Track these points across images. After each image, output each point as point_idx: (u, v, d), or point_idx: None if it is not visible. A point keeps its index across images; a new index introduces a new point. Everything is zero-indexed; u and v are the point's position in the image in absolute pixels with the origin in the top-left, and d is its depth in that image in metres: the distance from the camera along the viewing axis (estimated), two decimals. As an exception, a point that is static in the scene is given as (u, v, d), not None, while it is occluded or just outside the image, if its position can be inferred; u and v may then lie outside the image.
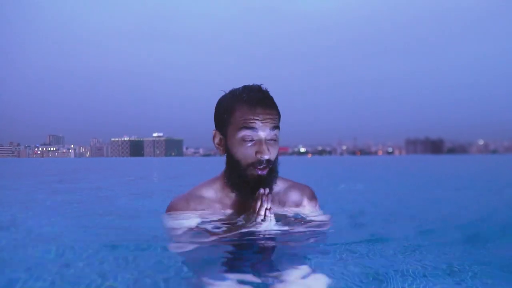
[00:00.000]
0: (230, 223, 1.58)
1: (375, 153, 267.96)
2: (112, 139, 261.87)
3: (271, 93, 1.52)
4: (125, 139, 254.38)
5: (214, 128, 1.62)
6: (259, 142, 1.48)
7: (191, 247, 1.46)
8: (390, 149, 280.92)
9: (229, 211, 1.62)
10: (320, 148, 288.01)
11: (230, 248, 1.44)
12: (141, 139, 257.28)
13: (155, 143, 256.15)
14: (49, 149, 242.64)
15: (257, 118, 1.47)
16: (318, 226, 1.67)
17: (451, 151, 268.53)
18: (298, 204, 1.72)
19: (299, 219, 1.66)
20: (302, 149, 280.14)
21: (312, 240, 1.58)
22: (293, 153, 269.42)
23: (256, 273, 1.23)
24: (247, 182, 1.51)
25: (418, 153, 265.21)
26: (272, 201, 1.58)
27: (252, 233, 1.49)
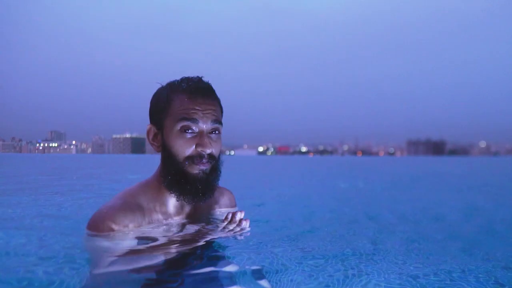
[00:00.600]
0: (175, 235, 1.38)
1: (376, 153, 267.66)
2: (114, 136, 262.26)
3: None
4: (127, 136, 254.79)
5: (149, 123, 1.44)
6: (199, 134, 1.34)
7: (127, 272, 1.17)
8: (391, 150, 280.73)
9: (170, 221, 1.43)
10: (321, 147, 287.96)
11: (175, 264, 1.24)
12: (143, 136, 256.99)
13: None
14: (50, 145, 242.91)
15: (198, 108, 1.34)
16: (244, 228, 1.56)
17: (453, 152, 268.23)
18: (227, 207, 1.69)
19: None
20: (304, 149, 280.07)
21: (243, 241, 1.50)
22: (294, 152, 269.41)
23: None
24: (186, 181, 1.34)
25: (419, 154, 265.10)
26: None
27: (196, 242, 1.34)
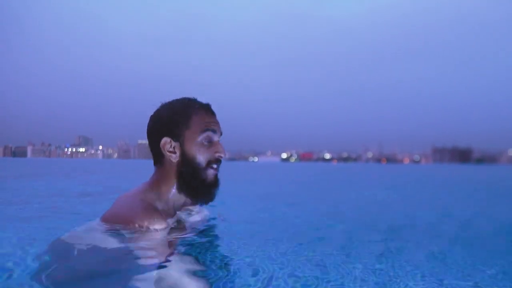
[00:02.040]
0: (181, 235, 1.58)
1: (401, 161, 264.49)
2: (139, 142, 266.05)
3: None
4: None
5: (163, 136, 1.60)
6: (215, 143, 1.63)
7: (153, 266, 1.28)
8: (416, 158, 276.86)
9: (173, 223, 1.63)
10: (345, 154, 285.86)
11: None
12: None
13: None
14: (78, 150, 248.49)
15: (214, 121, 1.63)
16: (210, 225, 1.88)
17: (480, 160, 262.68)
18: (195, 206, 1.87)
19: (199, 219, 1.84)
20: (327, 156, 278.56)
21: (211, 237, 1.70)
22: (318, 159, 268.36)
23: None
24: (205, 185, 1.60)
25: (445, 161, 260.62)
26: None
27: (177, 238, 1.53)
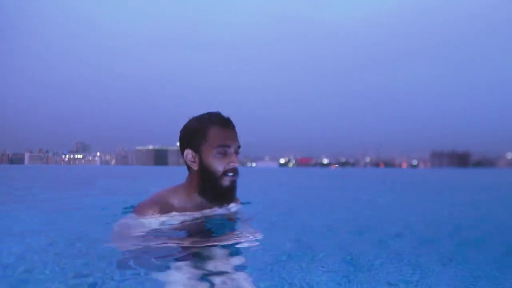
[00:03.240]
0: (196, 229, 1.81)
1: (399, 165, 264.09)
2: (137, 148, 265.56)
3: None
4: (150, 148, 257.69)
5: (186, 148, 1.92)
6: (230, 154, 1.86)
7: (157, 250, 1.56)
8: (414, 162, 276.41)
9: (193, 217, 1.88)
10: (343, 159, 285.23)
11: (194, 251, 1.56)
12: (166, 148, 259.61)
13: (179, 152, 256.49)
14: (76, 156, 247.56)
15: (229, 135, 1.87)
16: (249, 224, 2.05)
17: (478, 164, 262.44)
18: (234, 205, 2.10)
19: (237, 218, 2.06)
20: (325, 161, 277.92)
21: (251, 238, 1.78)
22: (316, 164, 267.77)
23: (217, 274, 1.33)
24: (221, 190, 1.86)
25: (443, 166, 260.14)
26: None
27: (213, 235, 1.76)
